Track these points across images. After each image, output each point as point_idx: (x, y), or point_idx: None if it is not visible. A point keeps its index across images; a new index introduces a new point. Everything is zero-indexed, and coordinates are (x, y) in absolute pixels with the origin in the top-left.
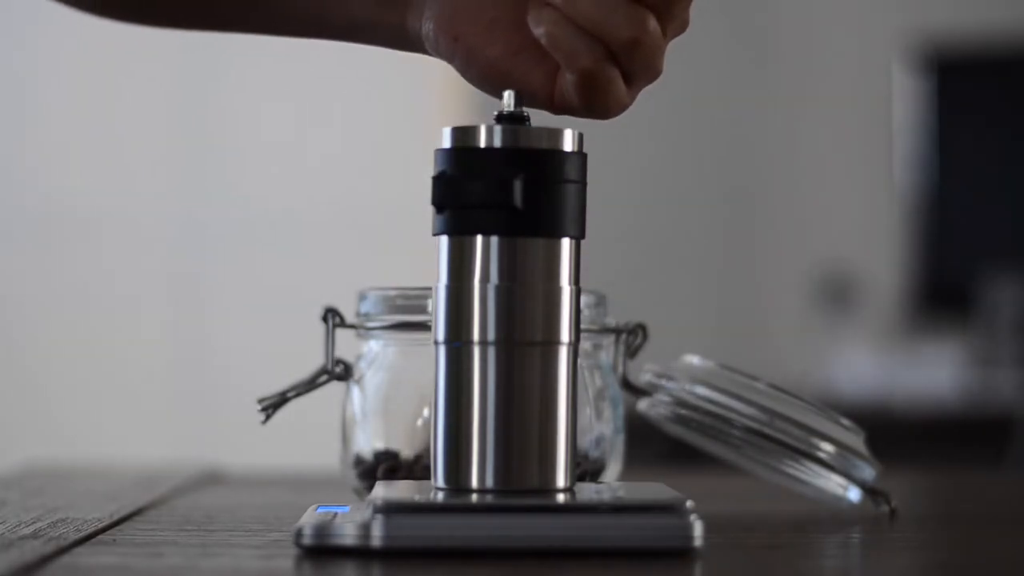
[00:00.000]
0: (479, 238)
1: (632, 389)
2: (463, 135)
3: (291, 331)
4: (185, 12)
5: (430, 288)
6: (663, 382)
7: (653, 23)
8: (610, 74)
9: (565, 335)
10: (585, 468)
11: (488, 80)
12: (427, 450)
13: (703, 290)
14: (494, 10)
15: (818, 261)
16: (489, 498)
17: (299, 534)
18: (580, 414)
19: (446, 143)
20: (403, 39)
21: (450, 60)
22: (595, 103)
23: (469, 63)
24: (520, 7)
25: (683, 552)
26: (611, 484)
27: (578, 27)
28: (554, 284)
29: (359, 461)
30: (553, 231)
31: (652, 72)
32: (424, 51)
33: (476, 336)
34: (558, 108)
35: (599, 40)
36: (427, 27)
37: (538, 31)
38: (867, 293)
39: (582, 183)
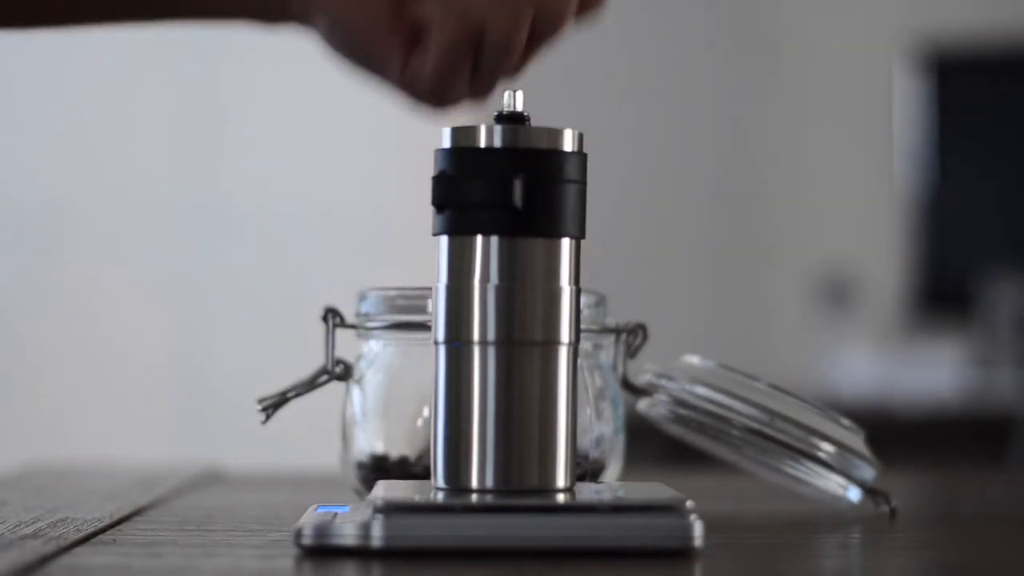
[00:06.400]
0: (479, 238)
1: (632, 389)
2: (463, 135)
3: (291, 331)
4: (25, 9)
5: (430, 288)
6: (663, 382)
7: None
8: (463, 62)
9: (565, 335)
10: (585, 468)
11: (349, 43)
12: (427, 450)
13: (703, 290)
14: None
15: (818, 261)
16: (489, 498)
17: (299, 534)
18: (580, 414)
19: (446, 143)
20: (264, 9)
21: (324, 18)
22: (449, 88)
23: (339, 23)
24: None
25: (683, 552)
26: (611, 484)
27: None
28: (554, 284)
29: (359, 461)
30: (553, 231)
31: (509, 70)
32: (280, 20)
33: (476, 336)
34: (404, 83)
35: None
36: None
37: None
38: (867, 293)
39: (582, 183)
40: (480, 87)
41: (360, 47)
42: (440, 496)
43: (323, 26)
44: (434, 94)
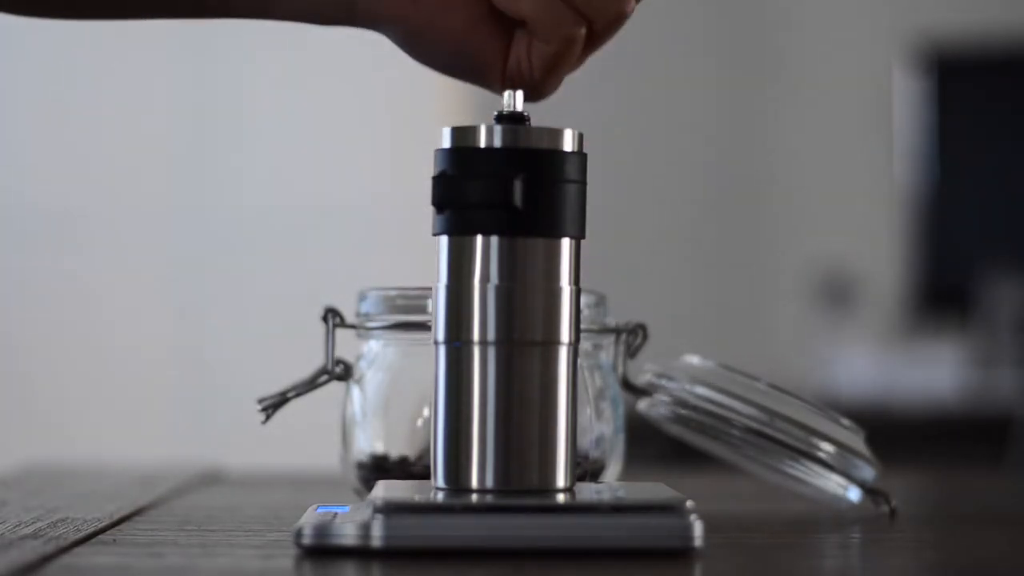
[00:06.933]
0: (479, 238)
1: (632, 389)
2: (463, 135)
3: (291, 331)
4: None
5: (430, 288)
6: (663, 382)
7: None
8: (580, 47)
9: (565, 335)
10: (585, 468)
11: (442, 51)
12: (427, 450)
13: (703, 290)
14: None
15: (818, 261)
16: (489, 498)
17: (299, 534)
18: (580, 414)
19: (446, 143)
20: (328, 8)
21: (399, 27)
22: (555, 78)
23: (424, 32)
24: None
25: (683, 552)
26: (611, 484)
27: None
28: (554, 284)
29: (359, 461)
30: (553, 231)
31: (607, 40)
32: (350, 22)
33: (476, 336)
34: (505, 85)
35: (582, 13)
36: None
37: (519, 2)
38: (867, 293)
39: (582, 183)
40: (578, 64)
41: (453, 55)
42: (440, 496)
43: (399, 35)
44: (540, 87)
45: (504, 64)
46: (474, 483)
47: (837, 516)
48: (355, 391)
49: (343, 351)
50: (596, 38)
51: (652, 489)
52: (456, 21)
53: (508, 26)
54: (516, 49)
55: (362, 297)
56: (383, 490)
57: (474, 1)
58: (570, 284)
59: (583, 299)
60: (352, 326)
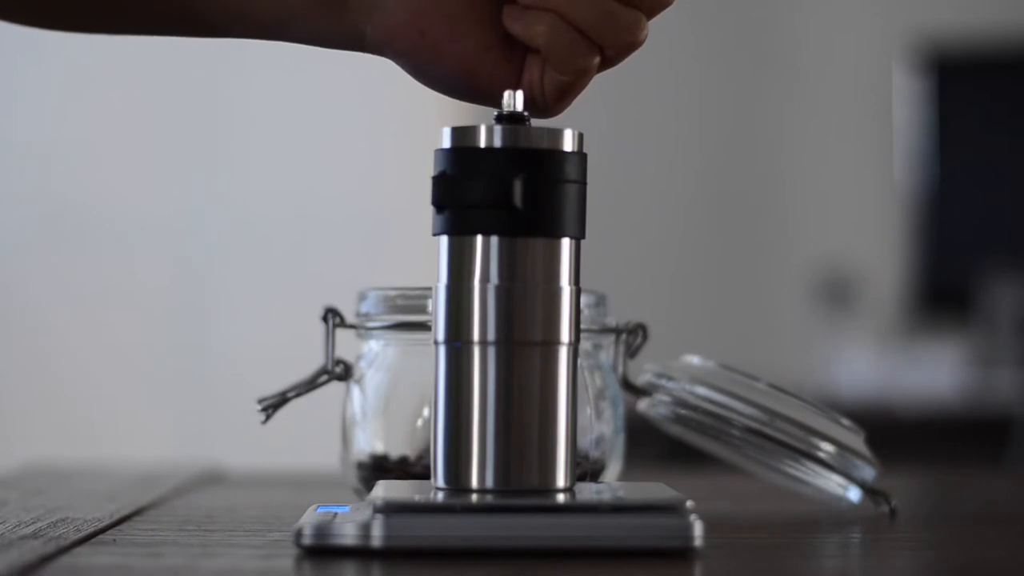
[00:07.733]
0: (479, 238)
1: (632, 389)
2: (463, 135)
3: (291, 331)
4: (90, 14)
5: (430, 288)
6: (663, 382)
7: (646, 24)
8: (593, 75)
9: (565, 335)
10: (585, 468)
11: (452, 78)
12: (427, 450)
13: (703, 290)
14: (456, 5)
15: (818, 261)
16: (489, 498)
17: (299, 534)
18: (580, 414)
19: (446, 143)
20: (338, 36)
21: (409, 57)
22: (567, 102)
23: (434, 60)
24: (481, 3)
25: (683, 552)
26: (611, 484)
27: (575, 29)
28: (554, 284)
29: (359, 461)
30: (553, 231)
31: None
32: (360, 49)
33: (476, 336)
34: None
35: (595, 42)
36: (382, 21)
37: (533, 31)
38: (867, 293)
39: (582, 183)
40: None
41: (463, 82)
42: (440, 496)
43: (409, 64)
44: (552, 108)
45: (515, 89)
46: (474, 483)
47: (837, 516)
48: (355, 391)
49: (343, 351)
50: (607, 63)
51: (652, 489)
52: (466, 49)
53: (519, 51)
54: (528, 75)
55: (362, 297)
56: (383, 490)
57: (484, 28)
58: (570, 284)
59: (583, 299)
60: (352, 326)
